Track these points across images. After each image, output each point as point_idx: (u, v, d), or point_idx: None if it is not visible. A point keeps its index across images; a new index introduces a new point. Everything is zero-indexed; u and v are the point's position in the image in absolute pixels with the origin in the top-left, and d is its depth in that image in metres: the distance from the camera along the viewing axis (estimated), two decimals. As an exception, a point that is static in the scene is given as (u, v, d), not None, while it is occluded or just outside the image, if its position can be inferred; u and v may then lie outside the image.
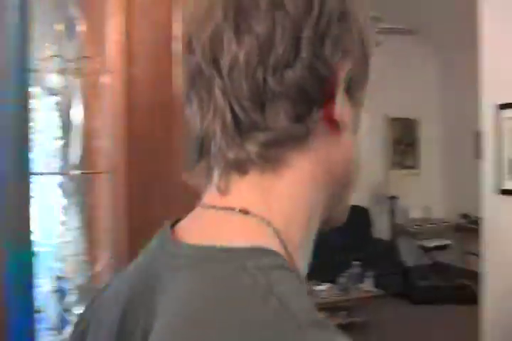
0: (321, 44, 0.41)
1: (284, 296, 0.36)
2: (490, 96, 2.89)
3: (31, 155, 1.33)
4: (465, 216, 5.14)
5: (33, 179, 1.35)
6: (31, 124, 1.35)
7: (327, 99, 0.42)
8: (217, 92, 0.41)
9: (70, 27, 1.46)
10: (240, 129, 0.41)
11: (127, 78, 1.39)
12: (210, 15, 0.42)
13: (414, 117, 5.44)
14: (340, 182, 0.47)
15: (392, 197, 5.15)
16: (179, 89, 1.37)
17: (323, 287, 4.03)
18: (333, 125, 0.43)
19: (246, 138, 0.41)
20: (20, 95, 1.25)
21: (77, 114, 1.50)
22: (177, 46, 1.36)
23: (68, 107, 1.50)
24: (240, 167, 0.42)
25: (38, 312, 1.41)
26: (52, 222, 1.59)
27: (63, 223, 1.59)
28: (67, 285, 1.52)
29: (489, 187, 2.90)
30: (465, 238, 4.90)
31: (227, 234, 0.42)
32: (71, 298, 1.51)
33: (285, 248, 0.41)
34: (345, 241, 4.38)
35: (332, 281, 4.12)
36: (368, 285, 4.14)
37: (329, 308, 3.71)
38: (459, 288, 4.61)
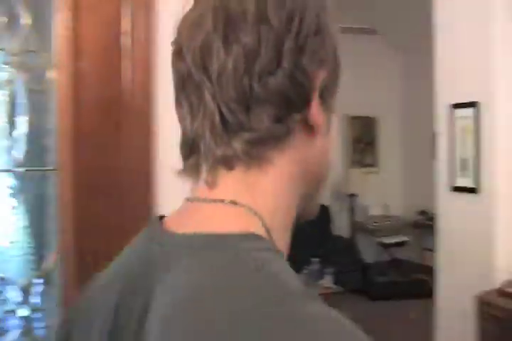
0: (300, 55, 0.46)
1: (275, 273, 0.41)
2: (444, 96, 2.95)
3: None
4: (422, 213, 5.24)
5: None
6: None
7: (304, 104, 0.47)
8: (207, 96, 0.46)
9: (14, 20, 1.42)
10: (228, 129, 0.46)
11: (74, 73, 1.36)
12: (201, 25, 0.47)
13: (373, 116, 5.52)
14: (314, 180, 0.52)
15: (352, 195, 5.21)
16: (127, 84, 1.35)
17: (284, 284, 4.04)
18: (309, 128, 0.48)
19: (233, 137, 0.46)
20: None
21: (23, 109, 1.46)
22: (126, 41, 1.33)
23: (13, 102, 1.45)
24: (227, 163, 0.47)
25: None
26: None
27: (10, 222, 1.54)
28: (9, 287, 1.47)
29: (443, 184, 2.97)
30: (422, 234, 5.00)
31: (218, 222, 0.46)
32: (15, 299, 1.47)
33: (270, 237, 0.46)
34: (305, 239, 4.41)
35: (292, 278, 4.14)
36: (327, 282, 4.19)
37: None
38: (416, 283, 4.71)
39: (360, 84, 4.96)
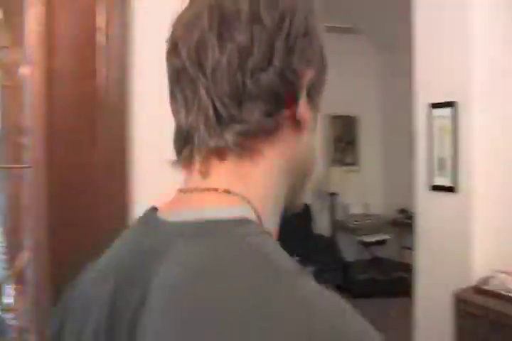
0: (290, 54, 0.49)
1: (270, 254, 0.43)
2: (423, 95, 2.98)
3: None
4: (402, 211, 5.28)
5: None
6: None
7: (292, 100, 0.50)
8: (202, 91, 0.48)
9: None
10: (220, 122, 0.48)
11: (48, 69, 1.34)
12: (197, 23, 0.49)
13: (354, 115, 5.55)
14: (301, 174, 0.55)
15: (333, 194, 5.23)
16: (102, 81, 1.33)
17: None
18: (297, 124, 0.51)
19: (225, 129, 0.48)
20: None
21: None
22: (100, 38, 1.32)
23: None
24: (220, 153, 0.49)
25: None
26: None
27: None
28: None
29: (421, 183, 3.00)
30: (402, 233, 5.04)
31: (212, 210, 0.47)
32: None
33: (262, 223, 0.48)
34: (286, 237, 4.41)
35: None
36: (308, 281, 4.18)
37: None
38: (396, 281, 4.75)
39: (341, 84, 4.98)
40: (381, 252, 5.47)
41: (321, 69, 0.54)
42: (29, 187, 1.44)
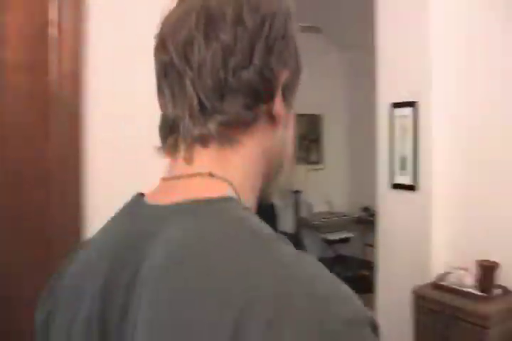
0: (269, 55, 0.53)
1: (254, 225, 0.48)
2: (385, 95, 3.02)
3: None
4: (365, 209, 5.35)
5: None
6: None
7: (269, 97, 0.54)
8: (188, 84, 0.52)
9: None
10: (204, 113, 0.52)
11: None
12: (185, 22, 0.53)
13: (319, 113, 5.59)
14: (275, 164, 0.60)
15: (297, 192, 5.26)
16: (54, 75, 1.29)
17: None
18: (272, 118, 0.56)
19: (208, 119, 0.52)
20: None
21: None
22: (53, 31, 1.27)
23: None
24: (203, 141, 0.53)
25: None
26: None
27: None
28: None
29: (383, 182, 3.04)
30: (365, 230, 5.11)
31: (199, 191, 0.51)
32: None
33: (243, 203, 0.52)
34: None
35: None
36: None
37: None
38: (359, 278, 4.82)
39: (305, 82, 4.98)
40: (345, 250, 5.53)
41: (296, 71, 0.59)
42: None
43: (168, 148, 0.56)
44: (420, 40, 2.77)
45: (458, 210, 2.76)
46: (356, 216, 5.49)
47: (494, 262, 2.45)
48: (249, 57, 0.52)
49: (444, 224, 2.80)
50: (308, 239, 5.45)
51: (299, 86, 0.61)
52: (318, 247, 5.54)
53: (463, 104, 2.72)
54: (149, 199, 0.55)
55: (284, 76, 0.55)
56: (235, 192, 0.52)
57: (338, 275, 0.49)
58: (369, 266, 4.24)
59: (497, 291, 2.41)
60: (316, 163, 5.58)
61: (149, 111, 1.49)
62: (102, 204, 1.38)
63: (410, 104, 2.83)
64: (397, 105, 2.93)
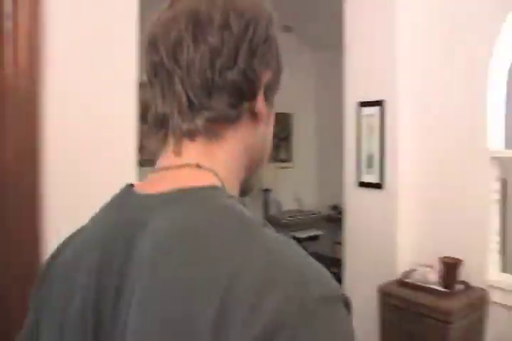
0: (252, 57, 0.58)
1: (240, 211, 0.51)
2: (352, 94, 3.04)
3: None
4: (334, 207, 5.40)
5: None
6: None
7: (252, 96, 0.59)
8: (177, 82, 0.57)
9: None
10: (192, 109, 0.57)
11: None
12: (174, 24, 0.57)
13: (288, 112, 5.60)
14: (255, 158, 0.64)
15: (266, 190, 5.26)
16: (10, 69, 1.25)
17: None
18: (255, 116, 0.60)
19: (196, 115, 0.57)
20: None
21: None
22: (7, 24, 1.23)
23: None
24: (191, 135, 0.58)
25: None
26: None
27: None
28: None
29: (350, 180, 3.06)
30: (334, 228, 5.15)
31: (187, 180, 0.55)
32: None
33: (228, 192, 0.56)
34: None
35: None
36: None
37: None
38: (327, 275, 4.85)
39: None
40: (314, 247, 5.56)
41: (277, 71, 0.64)
42: None
43: (158, 143, 0.60)
44: (386, 40, 2.80)
45: (423, 208, 2.80)
46: (325, 214, 5.52)
47: (457, 259, 2.49)
48: (234, 59, 0.57)
49: (409, 222, 2.83)
50: (277, 237, 5.44)
51: (279, 85, 0.65)
52: (288, 245, 5.54)
53: (428, 104, 2.76)
54: (138, 189, 0.58)
55: (266, 76, 0.60)
56: (221, 182, 0.56)
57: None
58: (338, 263, 4.27)
59: (459, 287, 2.45)
60: (286, 161, 5.59)
61: (107, 101, 1.47)
62: (58, 194, 1.35)
63: (377, 103, 2.86)
64: (364, 104, 2.95)
